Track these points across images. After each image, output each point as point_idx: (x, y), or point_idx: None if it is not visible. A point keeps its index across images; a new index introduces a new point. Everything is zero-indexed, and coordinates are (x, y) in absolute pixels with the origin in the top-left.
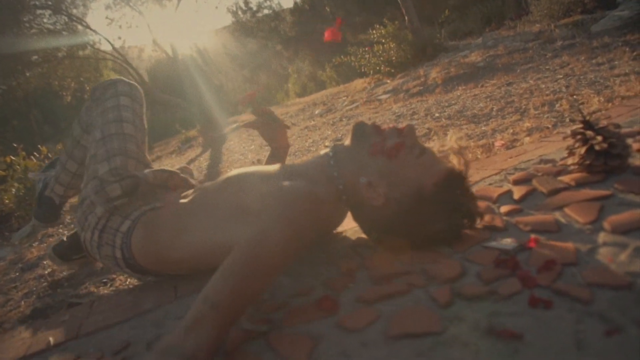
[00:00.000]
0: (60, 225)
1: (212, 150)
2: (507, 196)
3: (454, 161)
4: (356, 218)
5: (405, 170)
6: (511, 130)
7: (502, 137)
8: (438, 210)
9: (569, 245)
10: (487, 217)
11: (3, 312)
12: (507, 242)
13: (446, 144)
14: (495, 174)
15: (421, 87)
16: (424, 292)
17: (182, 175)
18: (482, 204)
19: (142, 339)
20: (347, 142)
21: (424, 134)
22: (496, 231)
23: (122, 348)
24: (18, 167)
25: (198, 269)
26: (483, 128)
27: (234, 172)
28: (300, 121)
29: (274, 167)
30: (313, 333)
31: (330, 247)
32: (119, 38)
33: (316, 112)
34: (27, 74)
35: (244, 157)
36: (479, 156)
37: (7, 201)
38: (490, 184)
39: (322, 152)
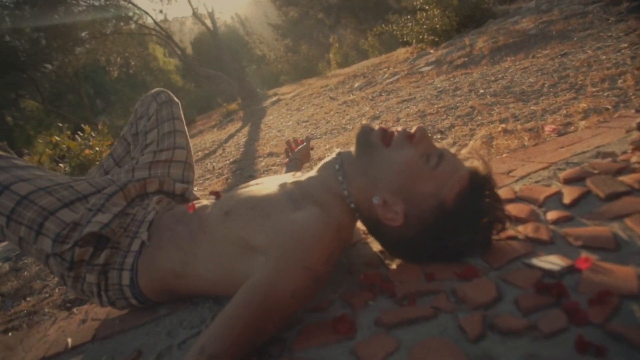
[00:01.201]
0: None
1: (251, 125)
2: (555, 199)
3: (476, 163)
4: (374, 235)
5: (422, 184)
6: (564, 112)
7: (553, 120)
8: (464, 220)
9: (630, 270)
10: (530, 226)
11: (37, 299)
12: (553, 260)
13: (469, 149)
14: (543, 169)
15: (466, 59)
16: (451, 319)
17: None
18: (525, 208)
19: (153, 349)
20: (352, 149)
21: (466, 114)
22: (541, 244)
23: (133, 358)
24: (64, 146)
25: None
26: (532, 107)
27: (237, 194)
28: (340, 95)
29: (282, 183)
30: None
31: (354, 252)
32: (160, 12)
33: (355, 85)
34: (77, 51)
35: (281, 133)
36: (525, 143)
37: None
38: (536, 182)
39: (329, 160)
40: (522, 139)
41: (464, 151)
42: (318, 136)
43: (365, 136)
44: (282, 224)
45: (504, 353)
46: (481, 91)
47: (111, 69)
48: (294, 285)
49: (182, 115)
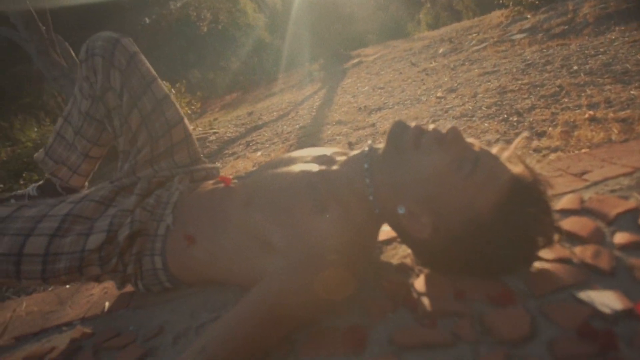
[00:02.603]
0: None
1: (328, 87)
2: (630, 217)
3: (519, 168)
4: (403, 241)
5: (452, 194)
6: None
7: None
8: (502, 234)
9: None
10: (590, 249)
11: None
12: (609, 298)
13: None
14: (625, 175)
15: (566, 27)
16: (470, 351)
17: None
18: (589, 224)
19: (174, 328)
20: (382, 147)
21: (551, 94)
22: (599, 274)
23: (153, 335)
24: None
25: None
26: (632, 92)
27: (260, 180)
28: (421, 61)
29: (307, 171)
30: None
31: (387, 253)
32: None
33: (440, 51)
34: (172, 5)
35: (355, 99)
36: (613, 137)
37: None
38: (612, 191)
39: (358, 155)
40: (610, 131)
41: (505, 153)
42: (390, 106)
43: (397, 136)
44: (303, 228)
45: None
46: (575, 67)
47: (201, 24)
48: (306, 299)
49: (149, 66)
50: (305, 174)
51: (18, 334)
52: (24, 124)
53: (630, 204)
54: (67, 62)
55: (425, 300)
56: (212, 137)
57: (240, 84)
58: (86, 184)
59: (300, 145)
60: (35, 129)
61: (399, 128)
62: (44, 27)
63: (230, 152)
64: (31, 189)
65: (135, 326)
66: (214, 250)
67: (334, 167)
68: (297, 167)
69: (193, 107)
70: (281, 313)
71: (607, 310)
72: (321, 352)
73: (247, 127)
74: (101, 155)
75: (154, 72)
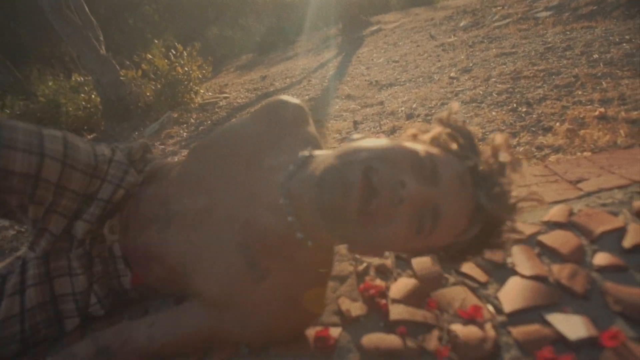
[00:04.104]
0: (184, 125)
1: (344, 55)
2: (615, 237)
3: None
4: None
5: (414, 247)
6: None
7: None
8: (468, 247)
9: None
10: (567, 269)
11: None
12: (576, 324)
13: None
14: (620, 187)
15: (595, 7)
16: None
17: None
18: (572, 241)
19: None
20: (310, 207)
21: (565, 84)
22: (571, 295)
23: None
24: (156, 61)
25: None
26: None
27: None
28: (440, 34)
29: (231, 229)
30: None
31: None
32: None
33: (461, 24)
34: None
35: (368, 71)
36: (619, 140)
37: (148, 94)
38: (604, 205)
39: (279, 204)
40: (618, 133)
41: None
42: (401, 82)
43: (334, 209)
44: (246, 299)
45: None
46: (595, 56)
47: None
48: (253, 338)
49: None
50: (231, 228)
51: None
52: (40, 76)
53: (618, 221)
54: (80, 18)
55: (398, 308)
56: (222, 102)
57: (257, 45)
58: None
59: None
60: (50, 84)
61: (335, 197)
62: None
63: None
64: None
65: (153, 310)
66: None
67: (258, 217)
68: (221, 209)
69: (204, 72)
70: (221, 339)
71: (571, 337)
72: (290, 349)
73: (258, 94)
74: None
75: None
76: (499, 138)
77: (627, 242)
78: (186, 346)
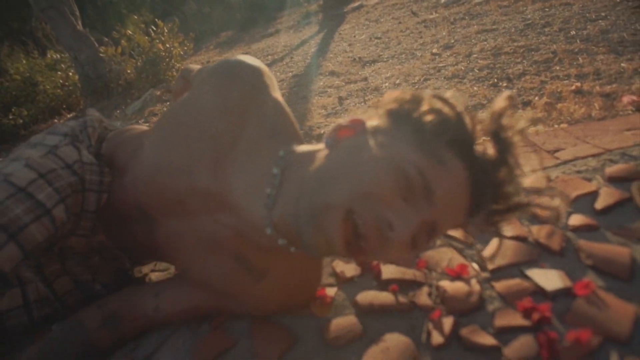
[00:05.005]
0: (167, 103)
1: (325, 32)
2: (588, 200)
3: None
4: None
5: None
6: None
7: (639, 88)
8: None
9: (628, 309)
10: (545, 229)
11: None
12: (552, 277)
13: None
14: (594, 156)
15: None
16: (423, 318)
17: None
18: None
19: None
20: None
21: (544, 60)
22: (549, 253)
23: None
24: (137, 37)
25: None
26: (622, 65)
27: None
28: (422, 10)
29: (224, 237)
30: (294, 331)
31: None
32: None
33: (442, 1)
34: None
35: (351, 48)
36: (593, 113)
37: (129, 71)
38: (579, 172)
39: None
40: (592, 106)
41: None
42: (384, 59)
43: (321, 248)
44: (248, 294)
45: None
46: (572, 32)
47: None
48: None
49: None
50: (220, 237)
51: None
52: (11, 53)
53: (591, 187)
54: None
55: (390, 268)
56: None
57: (237, 22)
58: None
59: (291, 96)
60: (24, 61)
61: (314, 235)
62: None
63: None
64: None
65: None
66: None
67: (245, 231)
68: (204, 220)
69: (186, 48)
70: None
71: (548, 288)
72: (292, 310)
73: None
74: None
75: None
76: (499, 102)
77: (599, 205)
78: (190, 316)
